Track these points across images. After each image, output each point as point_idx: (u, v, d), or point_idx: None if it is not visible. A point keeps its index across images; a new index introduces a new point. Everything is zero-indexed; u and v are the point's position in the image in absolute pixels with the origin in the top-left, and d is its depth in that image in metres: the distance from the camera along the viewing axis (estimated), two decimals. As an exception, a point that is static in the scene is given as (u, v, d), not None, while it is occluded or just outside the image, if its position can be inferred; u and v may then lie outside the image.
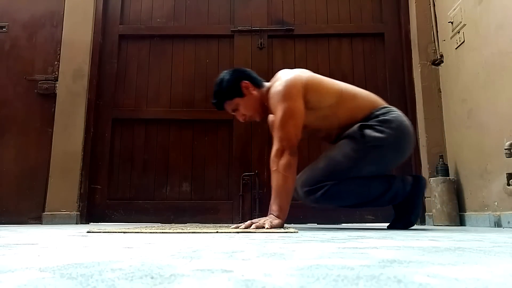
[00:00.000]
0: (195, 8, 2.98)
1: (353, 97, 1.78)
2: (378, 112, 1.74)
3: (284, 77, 1.72)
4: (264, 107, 1.85)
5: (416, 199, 1.80)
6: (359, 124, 1.70)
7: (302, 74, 1.75)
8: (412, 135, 1.78)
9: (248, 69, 1.92)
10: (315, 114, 1.74)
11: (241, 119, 1.90)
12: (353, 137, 1.69)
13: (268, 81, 1.83)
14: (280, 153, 1.65)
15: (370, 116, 1.73)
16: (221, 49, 2.91)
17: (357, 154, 1.67)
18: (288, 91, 1.67)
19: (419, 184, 1.81)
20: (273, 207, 1.65)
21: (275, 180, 1.66)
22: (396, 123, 1.69)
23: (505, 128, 1.92)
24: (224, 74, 1.87)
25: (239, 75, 1.84)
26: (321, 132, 1.86)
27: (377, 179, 1.74)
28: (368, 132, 1.67)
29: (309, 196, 1.74)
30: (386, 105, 1.81)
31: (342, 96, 1.76)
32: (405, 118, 1.76)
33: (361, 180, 1.71)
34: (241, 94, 1.82)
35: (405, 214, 1.81)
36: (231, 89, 1.82)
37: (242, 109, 1.85)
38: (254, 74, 1.89)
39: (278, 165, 1.65)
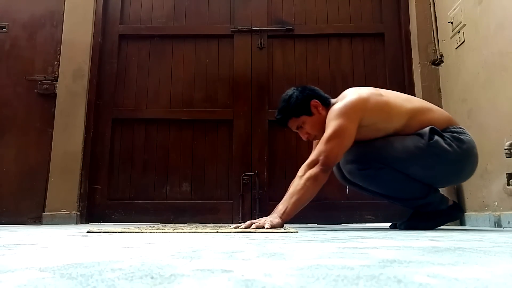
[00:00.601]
0: (195, 8, 2.98)
1: (429, 110, 1.76)
2: (454, 129, 1.72)
3: (349, 96, 1.69)
4: None
5: (441, 218, 1.79)
6: (431, 127, 1.67)
7: (369, 97, 1.70)
8: (476, 165, 1.75)
9: (316, 88, 1.87)
10: (382, 132, 1.72)
11: (304, 137, 1.87)
12: (420, 135, 1.67)
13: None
14: (313, 165, 1.63)
15: (445, 130, 1.71)
16: (221, 49, 2.91)
17: (415, 151, 1.65)
18: (346, 110, 1.64)
19: (456, 212, 1.80)
20: (280, 207, 1.63)
21: (295, 185, 1.63)
22: (467, 145, 1.68)
23: (505, 128, 1.92)
24: (293, 90, 1.83)
25: (309, 93, 1.80)
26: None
27: (417, 184, 1.72)
28: (437, 138, 1.65)
29: (349, 164, 1.74)
30: (462, 126, 1.79)
31: (415, 112, 1.73)
32: (475, 145, 1.74)
33: (402, 177, 1.70)
34: (309, 113, 1.79)
35: (418, 219, 1.80)
36: (300, 106, 1.78)
37: (308, 128, 1.82)
38: (323, 93, 1.85)
39: (305, 173, 1.62)
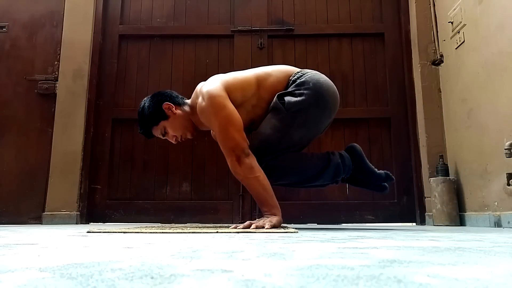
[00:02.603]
0: (195, 8, 2.98)
1: (268, 74, 1.80)
2: (294, 78, 1.77)
3: (204, 91, 1.71)
4: (192, 124, 1.87)
5: (364, 166, 1.81)
6: (277, 94, 1.73)
7: (217, 80, 1.74)
8: (332, 89, 1.77)
9: (167, 90, 1.92)
10: (244, 109, 1.75)
11: (173, 140, 1.90)
12: (275, 108, 1.72)
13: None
14: (237, 162, 1.64)
15: (288, 84, 1.77)
16: (221, 49, 2.91)
17: (283, 123, 1.69)
18: (214, 102, 1.66)
19: (355, 151, 1.82)
20: (264, 208, 1.66)
21: (249, 187, 1.66)
22: (312, 82, 1.72)
23: (505, 128, 1.92)
24: (144, 101, 1.88)
25: (158, 98, 1.85)
26: (257, 123, 1.82)
27: (315, 156, 1.76)
28: (288, 99, 1.70)
29: None
30: (300, 70, 1.83)
31: (258, 79, 1.78)
32: (322, 76, 1.78)
33: (297, 156, 1.74)
34: (165, 117, 1.83)
35: (370, 183, 1.85)
36: (154, 114, 1.82)
37: (171, 131, 1.86)
38: (174, 94, 1.90)
39: (243, 173, 1.63)
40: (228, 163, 1.68)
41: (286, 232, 1.31)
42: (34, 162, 2.71)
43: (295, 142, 1.74)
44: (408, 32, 2.82)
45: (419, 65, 2.69)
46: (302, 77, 1.75)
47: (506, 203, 1.93)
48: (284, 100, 1.70)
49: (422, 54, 2.69)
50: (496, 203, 2.01)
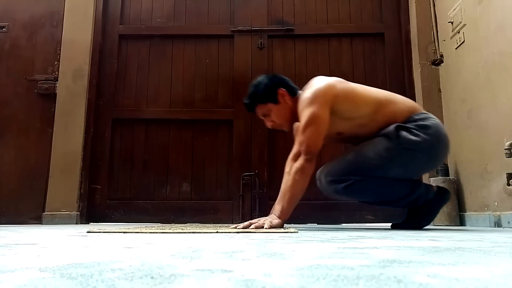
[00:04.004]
0: (195, 8, 2.98)
1: (391, 102, 1.77)
2: (417, 117, 1.72)
3: (316, 84, 1.70)
4: (295, 117, 1.82)
5: (435, 207, 1.80)
6: (396, 124, 1.68)
7: (336, 84, 1.71)
8: (448, 145, 1.76)
9: (286, 77, 1.88)
10: (351, 123, 1.73)
11: (269, 125, 1.88)
12: (388, 136, 1.67)
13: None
14: (296, 157, 1.65)
15: (408, 120, 1.72)
16: (221, 49, 2.91)
17: (388, 154, 1.66)
18: (316, 98, 1.65)
19: (444, 196, 1.81)
20: (277, 207, 1.66)
21: (285, 182, 1.66)
22: (433, 130, 1.68)
23: (505, 128, 1.92)
24: (263, 77, 1.85)
25: (277, 81, 1.82)
26: (360, 138, 1.81)
27: (401, 182, 1.73)
28: (404, 134, 1.65)
29: (331, 185, 1.74)
30: (425, 111, 1.80)
31: (380, 103, 1.74)
32: (443, 127, 1.76)
33: (385, 181, 1.71)
34: (275, 101, 1.80)
35: (417, 217, 1.81)
36: (267, 93, 1.80)
37: (273, 116, 1.83)
38: (291, 83, 1.86)
39: (291, 168, 1.64)
40: (290, 154, 1.70)
41: (286, 232, 1.31)
42: (34, 162, 2.70)
43: (389, 175, 1.71)
44: (408, 32, 2.82)
45: (419, 65, 2.69)
46: (426, 120, 1.71)
47: (506, 203, 1.92)
48: (400, 134, 1.66)
49: (422, 54, 2.69)
50: (496, 203, 2.01)
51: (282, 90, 1.79)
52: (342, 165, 1.73)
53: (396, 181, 1.73)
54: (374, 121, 1.73)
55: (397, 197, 1.75)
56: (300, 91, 1.83)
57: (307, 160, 1.63)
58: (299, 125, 1.71)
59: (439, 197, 1.80)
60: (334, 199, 2.64)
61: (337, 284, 0.37)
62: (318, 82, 1.71)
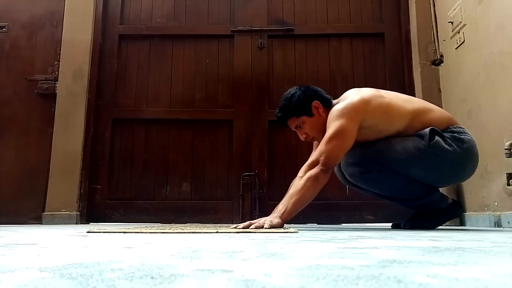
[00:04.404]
0: (195, 8, 2.98)
1: (429, 110, 1.77)
2: (454, 129, 1.72)
3: (351, 97, 1.69)
4: None
5: (443, 216, 1.80)
6: (431, 127, 1.68)
7: (371, 100, 1.69)
8: (476, 164, 1.76)
9: (319, 88, 1.86)
10: (383, 134, 1.72)
11: (302, 137, 1.86)
12: (421, 136, 1.67)
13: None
14: (314, 165, 1.62)
15: (445, 130, 1.72)
16: (221, 49, 2.91)
17: (416, 152, 1.65)
18: (348, 111, 1.64)
19: (456, 209, 1.82)
20: (280, 207, 1.63)
21: (295, 185, 1.63)
22: (467, 145, 1.68)
23: (505, 128, 1.92)
24: (296, 89, 1.82)
25: (311, 94, 1.80)
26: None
27: (419, 184, 1.73)
28: (438, 139, 1.65)
29: (349, 167, 1.74)
30: (462, 126, 1.79)
31: (416, 112, 1.73)
32: (475, 145, 1.75)
33: (403, 178, 1.71)
34: (310, 113, 1.78)
35: (421, 219, 1.80)
36: (301, 106, 1.78)
37: (307, 128, 1.81)
38: (325, 94, 1.84)
39: (306, 173, 1.62)
40: (307, 161, 1.65)
41: (286, 232, 1.31)
42: (34, 162, 2.70)
43: (409, 174, 1.70)
44: (408, 32, 2.82)
45: (419, 65, 2.69)
46: (462, 134, 1.71)
47: (506, 203, 1.92)
48: (434, 138, 1.66)
49: (422, 54, 2.69)
50: (496, 203, 2.01)
51: (316, 103, 1.78)
52: (367, 151, 1.72)
53: (413, 181, 1.72)
54: (411, 127, 1.72)
55: (409, 197, 1.74)
56: (334, 101, 1.82)
57: (323, 171, 1.61)
58: (325, 135, 1.69)
59: (451, 209, 1.79)
60: (334, 199, 2.65)
61: (337, 284, 0.37)
62: (353, 95, 1.70)
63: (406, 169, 1.69)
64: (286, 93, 1.85)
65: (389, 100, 1.74)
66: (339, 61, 2.87)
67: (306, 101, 1.78)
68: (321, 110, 1.78)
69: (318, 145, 1.76)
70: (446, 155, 1.65)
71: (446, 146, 1.65)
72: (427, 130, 1.67)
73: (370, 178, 1.71)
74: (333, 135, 1.63)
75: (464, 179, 1.85)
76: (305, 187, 1.60)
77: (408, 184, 1.72)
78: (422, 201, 1.74)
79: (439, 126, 1.71)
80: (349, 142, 1.65)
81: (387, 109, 1.71)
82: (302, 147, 2.68)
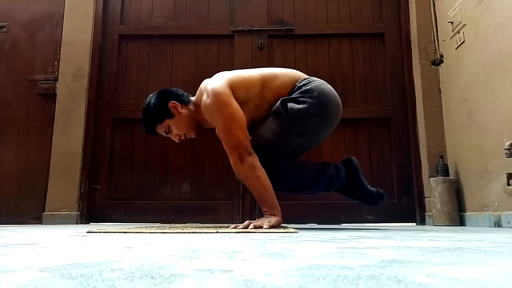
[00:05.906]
0: (195, 8, 2.98)
1: (274, 76, 1.79)
2: (300, 84, 1.76)
3: (209, 88, 1.70)
4: (197, 123, 1.86)
5: (357, 180, 1.82)
6: (281, 99, 1.72)
7: (222, 77, 1.74)
8: (337, 101, 1.78)
9: (173, 88, 1.91)
10: (247, 108, 1.74)
11: (176, 139, 1.89)
12: (277, 113, 1.71)
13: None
14: (239, 160, 1.63)
15: (293, 90, 1.76)
16: (221, 49, 2.91)
17: (283, 129, 1.69)
18: (219, 100, 1.66)
19: (351, 165, 1.83)
20: (264, 208, 1.66)
21: (250, 186, 1.65)
22: (317, 92, 1.71)
23: (505, 128, 1.92)
24: (150, 98, 1.87)
25: (165, 96, 1.83)
26: (259, 124, 1.81)
27: (310, 167, 1.76)
28: (291, 105, 1.69)
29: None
30: (308, 76, 1.82)
31: (263, 79, 1.77)
32: (327, 86, 1.78)
33: (292, 165, 1.74)
34: (170, 115, 1.82)
35: (362, 197, 1.84)
36: (159, 111, 1.82)
37: (175, 130, 1.84)
38: (180, 92, 1.88)
39: (244, 172, 1.63)
40: (231, 161, 1.68)
41: (286, 232, 1.31)
42: (34, 162, 2.71)
43: (292, 149, 1.74)
44: (408, 32, 2.82)
45: (419, 65, 2.69)
46: (308, 84, 1.74)
47: (506, 203, 1.93)
48: (287, 106, 1.69)
49: (422, 54, 2.69)
50: (496, 203, 2.01)
51: (172, 103, 1.82)
52: None
53: (304, 165, 1.75)
54: (264, 99, 1.76)
55: (309, 180, 1.74)
56: (192, 98, 1.87)
57: (248, 155, 1.63)
58: (219, 133, 1.72)
59: (350, 170, 1.81)
60: (334, 199, 2.65)
61: (337, 284, 0.37)
62: (210, 85, 1.71)
63: (286, 147, 1.72)
64: (143, 104, 1.89)
65: (236, 72, 1.80)
66: (339, 61, 2.87)
67: (162, 105, 1.82)
68: (180, 107, 1.82)
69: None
70: (307, 113, 1.68)
71: (301, 106, 1.68)
72: (278, 103, 1.71)
73: (268, 173, 1.68)
74: (226, 126, 1.65)
75: (337, 119, 1.81)
76: (256, 179, 1.62)
77: (300, 169, 1.74)
78: (325, 180, 1.75)
79: (286, 89, 1.76)
80: (242, 120, 1.66)
81: (241, 79, 1.75)
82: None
